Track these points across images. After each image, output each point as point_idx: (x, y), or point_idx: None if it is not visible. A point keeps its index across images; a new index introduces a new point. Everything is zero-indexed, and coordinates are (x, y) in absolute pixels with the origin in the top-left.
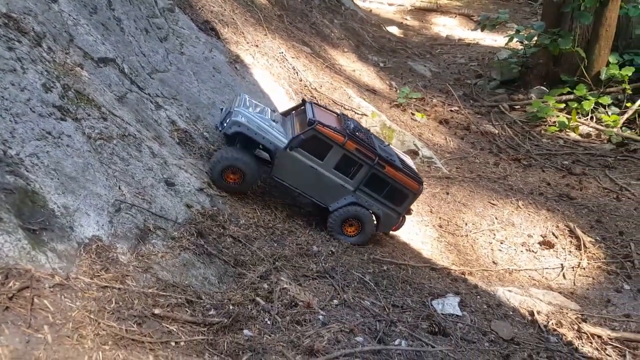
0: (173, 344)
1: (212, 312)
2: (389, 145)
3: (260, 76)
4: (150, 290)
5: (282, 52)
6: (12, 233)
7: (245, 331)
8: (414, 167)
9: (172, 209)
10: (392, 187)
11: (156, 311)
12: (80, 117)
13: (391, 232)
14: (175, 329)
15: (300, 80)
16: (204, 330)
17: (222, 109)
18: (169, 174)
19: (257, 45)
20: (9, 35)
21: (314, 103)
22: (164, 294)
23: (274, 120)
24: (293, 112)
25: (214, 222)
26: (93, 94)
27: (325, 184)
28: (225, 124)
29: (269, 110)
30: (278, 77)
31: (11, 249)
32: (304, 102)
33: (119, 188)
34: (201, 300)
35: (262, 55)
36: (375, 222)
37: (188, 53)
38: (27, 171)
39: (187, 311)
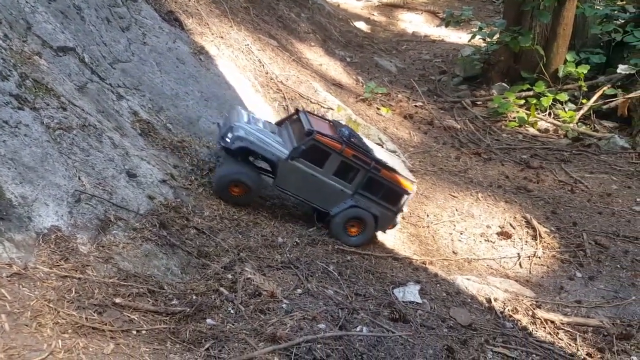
0: (134, 332)
1: (174, 301)
2: (383, 148)
3: (225, 68)
4: (111, 280)
5: (248, 44)
6: None
7: (209, 320)
8: (403, 166)
9: (133, 200)
10: (387, 188)
11: (117, 300)
12: (38, 106)
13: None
14: (136, 318)
15: (267, 73)
16: (166, 319)
17: (218, 124)
18: (131, 165)
19: (222, 37)
20: None
21: (307, 112)
22: (125, 283)
23: (272, 132)
24: (287, 121)
25: (177, 214)
26: (52, 83)
27: (326, 190)
28: (227, 139)
29: (263, 121)
30: (243, 69)
31: None
32: (297, 111)
33: (79, 178)
34: (163, 290)
35: (228, 47)
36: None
37: (151, 43)
38: None
39: (149, 301)
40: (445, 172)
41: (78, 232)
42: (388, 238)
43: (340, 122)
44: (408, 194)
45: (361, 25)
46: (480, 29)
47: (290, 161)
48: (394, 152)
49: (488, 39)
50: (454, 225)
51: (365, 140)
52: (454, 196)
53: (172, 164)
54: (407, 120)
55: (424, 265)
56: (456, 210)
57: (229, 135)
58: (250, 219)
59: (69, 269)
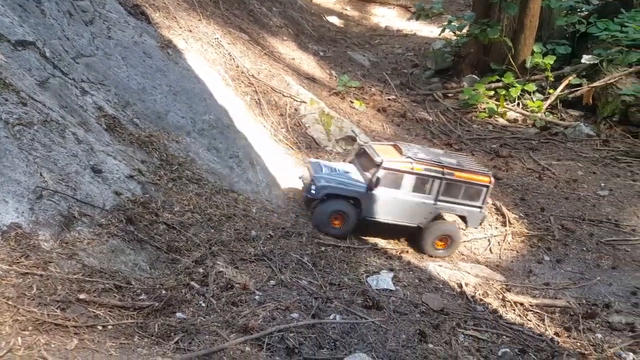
0: (100, 327)
1: (142, 296)
2: (446, 152)
3: (194, 62)
4: (75, 276)
5: (218, 38)
6: None
7: (178, 314)
8: (474, 162)
9: (99, 196)
10: (465, 187)
11: (81, 296)
12: None
13: None
14: (102, 314)
15: (237, 67)
16: (134, 314)
17: (300, 177)
18: (96, 161)
19: (190, 31)
20: None
21: (371, 143)
22: (90, 279)
23: (346, 172)
24: (355, 157)
25: (145, 209)
26: (10, 78)
27: (409, 207)
28: (313, 191)
29: (335, 164)
30: (213, 62)
31: None
32: (361, 146)
33: (41, 174)
34: (131, 286)
35: (196, 40)
36: (464, 224)
37: (116, 37)
38: None
39: (116, 296)
40: None
41: (40, 229)
42: (362, 228)
43: (402, 143)
44: (487, 186)
45: (334, 19)
46: (450, 22)
47: (370, 192)
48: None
49: (458, 32)
50: None
51: (430, 149)
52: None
53: (140, 159)
54: (381, 113)
55: (397, 254)
56: None
57: (313, 187)
58: (223, 213)
59: (30, 266)
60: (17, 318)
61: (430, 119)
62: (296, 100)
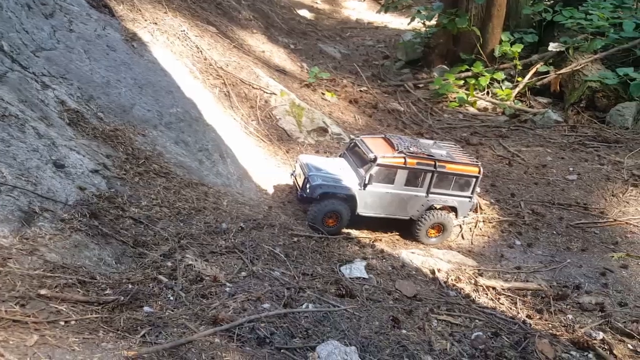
0: (62, 323)
1: (107, 291)
2: (435, 141)
3: (160, 54)
4: (36, 272)
5: (184, 31)
6: None
7: (146, 308)
8: (463, 153)
9: (61, 191)
10: (456, 179)
11: (42, 292)
12: None
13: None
14: (64, 309)
15: (205, 59)
16: (98, 309)
17: (291, 174)
18: (58, 156)
19: (156, 23)
20: None
21: (363, 137)
22: (52, 275)
23: (339, 168)
24: (346, 151)
25: (111, 204)
26: None
27: (402, 201)
28: (308, 190)
29: (327, 160)
30: (180, 55)
31: None
32: (352, 140)
33: None
34: (95, 281)
35: (162, 33)
36: (454, 214)
37: (78, 30)
38: None
39: (79, 291)
40: None
41: None
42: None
43: (392, 135)
44: (477, 177)
45: (304, 12)
46: (419, 12)
47: (364, 189)
48: (339, 134)
49: (427, 23)
50: None
51: (420, 140)
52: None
53: (105, 154)
54: (352, 104)
55: (370, 243)
56: None
57: (308, 186)
58: (192, 206)
59: None
60: None
61: (402, 109)
62: (266, 92)
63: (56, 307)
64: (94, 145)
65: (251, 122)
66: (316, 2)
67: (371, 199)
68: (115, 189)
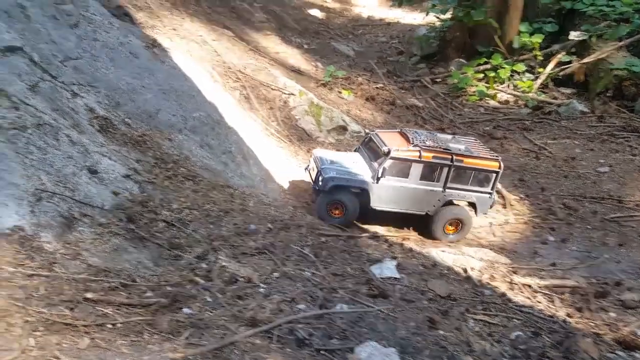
0: (109, 326)
1: (148, 293)
2: (454, 136)
3: (180, 60)
4: (81, 276)
5: (202, 36)
6: None
7: (185, 309)
8: (483, 148)
9: (97, 196)
10: (475, 174)
11: (89, 295)
12: None
13: None
14: (110, 312)
15: (224, 63)
16: (142, 311)
17: (305, 168)
18: (92, 162)
19: (174, 29)
20: None
21: (377, 131)
22: (96, 278)
23: (353, 162)
24: (362, 146)
25: (144, 208)
26: (1, 84)
27: (418, 195)
28: (320, 183)
29: (344, 155)
30: (200, 60)
31: None
32: (367, 134)
33: (38, 177)
34: (136, 283)
35: (181, 38)
36: (473, 210)
37: (102, 39)
38: None
39: (122, 294)
40: None
41: (42, 231)
42: (363, 218)
43: (409, 130)
44: (497, 172)
45: (315, 12)
46: (433, 5)
47: (378, 182)
48: (358, 132)
49: (442, 16)
50: None
51: (439, 134)
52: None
53: (135, 159)
54: (369, 101)
55: (399, 242)
56: None
57: (320, 179)
58: (221, 208)
59: (35, 268)
60: (27, 319)
61: (421, 105)
62: (285, 93)
63: (102, 310)
64: (124, 151)
65: (271, 123)
66: (326, 1)
67: (385, 192)
68: (147, 193)
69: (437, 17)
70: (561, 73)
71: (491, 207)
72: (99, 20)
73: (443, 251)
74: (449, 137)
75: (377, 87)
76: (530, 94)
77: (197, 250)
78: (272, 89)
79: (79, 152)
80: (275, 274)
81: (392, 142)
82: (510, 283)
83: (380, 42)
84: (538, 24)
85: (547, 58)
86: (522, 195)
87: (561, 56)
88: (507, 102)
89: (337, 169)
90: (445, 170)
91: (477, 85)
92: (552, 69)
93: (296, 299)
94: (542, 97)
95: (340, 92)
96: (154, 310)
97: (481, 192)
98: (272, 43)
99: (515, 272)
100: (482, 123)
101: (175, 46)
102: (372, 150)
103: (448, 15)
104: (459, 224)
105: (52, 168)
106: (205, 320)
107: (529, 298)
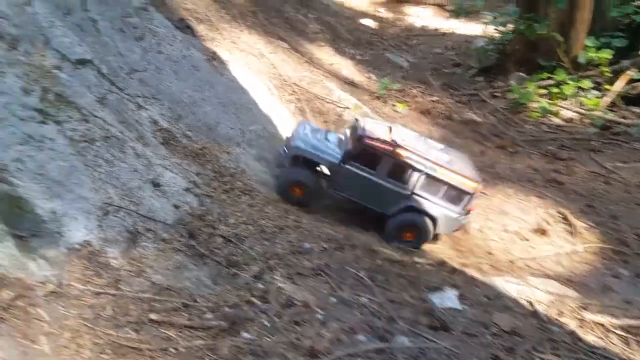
0: (173, 350)
1: (208, 315)
2: (445, 147)
3: (239, 72)
4: (145, 295)
5: (259, 48)
6: (2, 240)
7: (244, 334)
8: (469, 165)
9: (160, 210)
10: (447, 189)
11: (153, 317)
12: (61, 119)
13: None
14: (173, 335)
15: (280, 75)
16: (203, 335)
17: (286, 137)
18: (155, 175)
19: (233, 42)
20: None
21: (367, 118)
22: (159, 298)
23: (327, 140)
24: (348, 129)
25: (203, 222)
26: (73, 96)
27: (380, 192)
28: (285, 149)
29: (326, 132)
30: (257, 72)
31: (1, 257)
32: (356, 120)
33: (106, 190)
34: (197, 304)
35: (240, 51)
36: (432, 226)
37: (166, 52)
38: (12, 176)
39: (184, 315)
40: None
41: (108, 246)
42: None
43: (397, 125)
44: (470, 193)
45: (368, 22)
46: (494, 18)
47: (343, 165)
48: None
49: (502, 28)
50: (486, 224)
51: (429, 140)
52: (483, 193)
53: (195, 172)
54: (425, 115)
55: (458, 268)
56: (487, 207)
57: (285, 146)
58: (275, 224)
59: (102, 285)
60: (96, 341)
61: (479, 120)
62: (339, 107)
63: (166, 333)
64: (185, 164)
65: None
66: (379, 11)
67: (348, 179)
68: (206, 207)
69: (497, 30)
70: (632, 91)
71: (458, 229)
72: (163, 32)
73: (507, 281)
74: (440, 145)
75: (432, 100)
76: (597, 112)
77: (254, 269)
78: (326, 102)
79: (143, 165)
80: (332, 299)
81: (374, 132)
82: (580, 320)
83: (435, 54)
84: (606, 38)
85: (616, 74)
86: (591, 223)
87: (632, 73)
88: (571, 119)
89: (307, 141)
90: (416, 175)
91: (539, 101)
92: (621, 87)
93: (355, 328)
94: (610, 116)
95: (394, 105)
96: (214, 334)
97: (449, 210)
98: (325, 54)
99: (585, 308)
100: (545, 142)
101: (234, 59)
102: (352, 135)
103: (509, 27)
104: (416, 234)
105: (119, 181)
106: (264, 347)
107: (601, 338)
